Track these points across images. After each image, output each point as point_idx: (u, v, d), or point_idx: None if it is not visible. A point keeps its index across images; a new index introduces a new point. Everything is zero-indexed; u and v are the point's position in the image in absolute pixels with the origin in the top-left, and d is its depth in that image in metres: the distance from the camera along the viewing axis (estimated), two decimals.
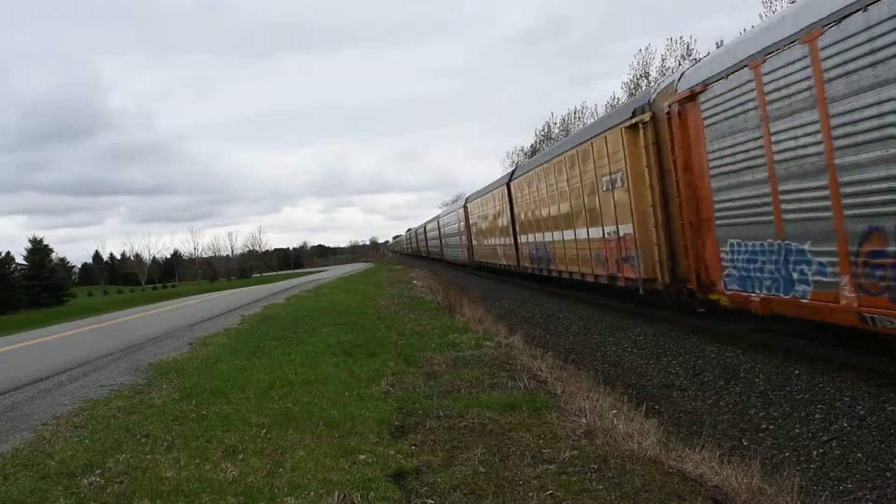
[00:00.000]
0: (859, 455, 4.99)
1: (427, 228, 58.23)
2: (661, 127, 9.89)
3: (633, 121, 10.61)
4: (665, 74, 31.92)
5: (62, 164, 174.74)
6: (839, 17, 5.93)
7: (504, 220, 23.08)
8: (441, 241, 46.89)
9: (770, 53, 6.97)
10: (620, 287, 12.26)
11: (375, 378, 6.88)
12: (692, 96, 8.67)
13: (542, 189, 17.30)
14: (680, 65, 31.49)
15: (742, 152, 7.69)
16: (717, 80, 8.07)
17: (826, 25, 6.09)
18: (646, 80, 34.29)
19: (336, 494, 3.73)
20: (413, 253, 75.42)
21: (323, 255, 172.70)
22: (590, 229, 13.59)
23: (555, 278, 17.41)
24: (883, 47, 5.47)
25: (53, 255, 68.83)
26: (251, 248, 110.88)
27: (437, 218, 49.24)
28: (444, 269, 39.76)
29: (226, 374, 7.62)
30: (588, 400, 5.64)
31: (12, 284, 57.07)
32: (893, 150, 5.50)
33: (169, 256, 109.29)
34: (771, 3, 26.22)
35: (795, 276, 6.96)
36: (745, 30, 15.81)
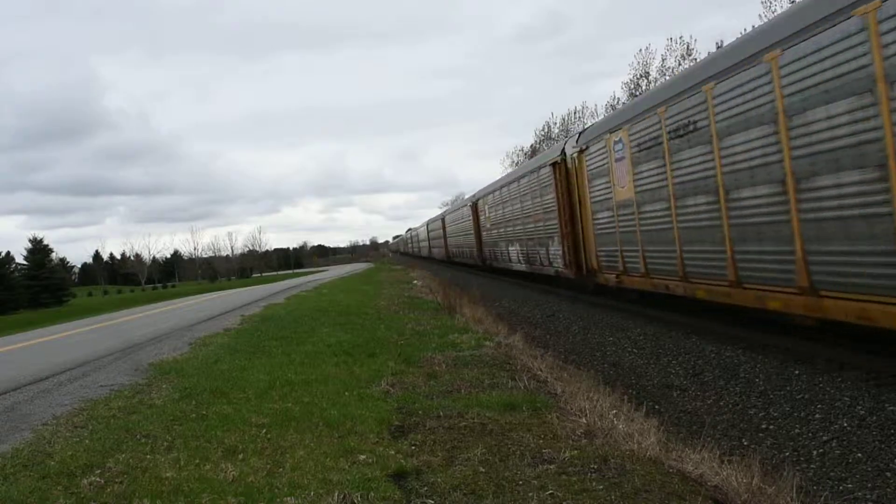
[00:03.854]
0: (859, 455, 4.99)
1: (430, 228, 55.36)
2: None
3: None
4: (665, 74, 31.88)
5: (60, 164, 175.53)
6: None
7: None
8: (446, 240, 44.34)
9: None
10: None
11: (375, 378, 6.88)
12: None
13: None
14: (680, 65, 31.44)
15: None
16: None
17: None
18: (646, 80, 34.29)
19: (336, 494, 3.73)
20: (417, 255, 68.75)
21: (323, 255, 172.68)
22: None
23: None
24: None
25: (53, 255, 68.96)
26: (251, 248, 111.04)
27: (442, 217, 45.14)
28: (444, 269, 39.74)
29: (226, 374, 7.62)
30: (588, 400, 5.63)
31: (12, 284, 57.11)
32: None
33: (169, 256, 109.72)
34: (770, 2, 26.25)
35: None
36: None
